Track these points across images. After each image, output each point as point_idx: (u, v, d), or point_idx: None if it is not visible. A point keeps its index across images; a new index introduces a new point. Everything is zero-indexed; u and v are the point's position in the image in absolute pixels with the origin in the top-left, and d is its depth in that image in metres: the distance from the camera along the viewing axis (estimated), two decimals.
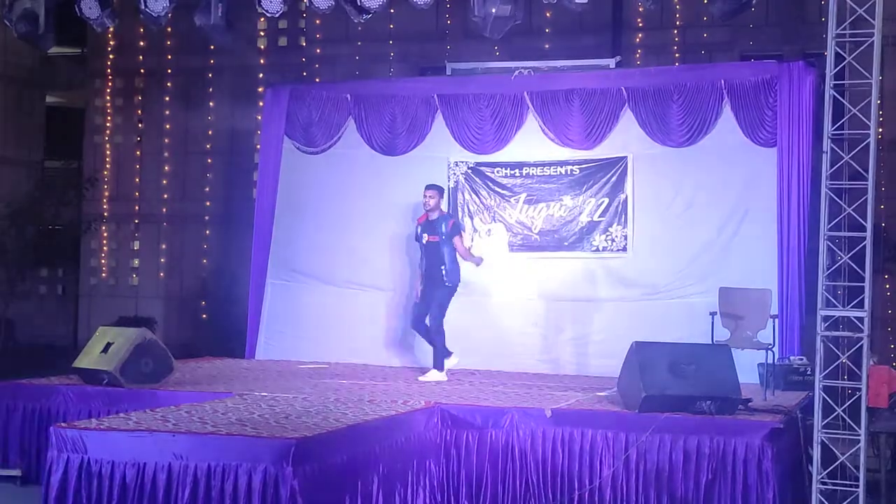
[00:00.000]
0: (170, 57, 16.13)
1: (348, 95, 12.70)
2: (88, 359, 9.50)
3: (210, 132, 16.02)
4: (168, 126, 16.39)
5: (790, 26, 13.84)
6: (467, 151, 12.19)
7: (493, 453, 8.27)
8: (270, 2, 10.64)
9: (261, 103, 13.71)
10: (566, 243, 11.81)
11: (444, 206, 11.05)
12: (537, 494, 8.16)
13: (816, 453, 7.77)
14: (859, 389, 7.72)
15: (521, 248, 11.94)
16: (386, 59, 15.05)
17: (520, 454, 8.22)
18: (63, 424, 7.18)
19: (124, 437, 6.77)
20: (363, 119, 12.59)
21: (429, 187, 10.85)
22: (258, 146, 13.74)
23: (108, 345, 9.40)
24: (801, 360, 10.00)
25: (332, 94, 12.81)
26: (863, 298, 7.76)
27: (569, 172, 11.86)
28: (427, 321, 10.72)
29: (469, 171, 12.17)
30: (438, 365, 10.63)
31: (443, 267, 10.57)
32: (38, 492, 7.13)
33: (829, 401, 7.76)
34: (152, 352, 9.35)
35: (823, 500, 7.71)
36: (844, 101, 8.05)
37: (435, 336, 10.65)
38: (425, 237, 10.73)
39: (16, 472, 9.01)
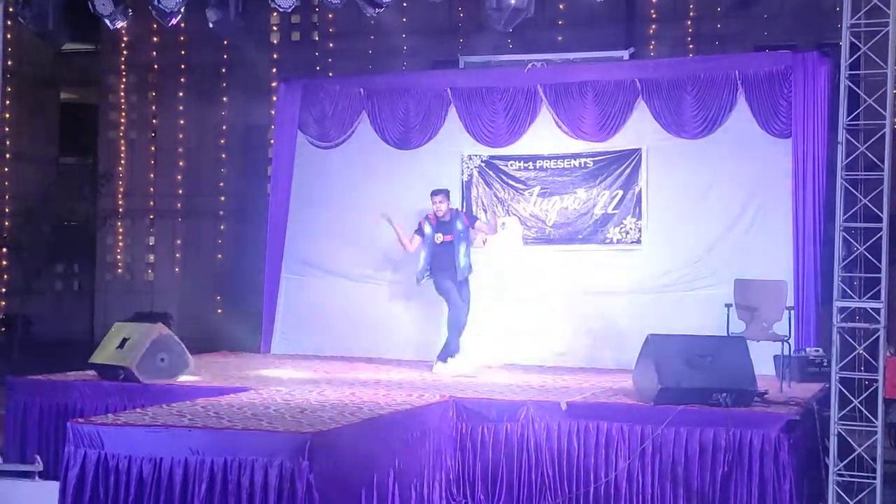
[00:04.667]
0: (183, 52, 16.16)
1: (361, 89, 12.69)
2: (105, 354, 9.52)
3: (224, 127, 16.05)
4: (182, 121, 16.43)
5: (804, 16, 13.77)
6: (481, 145, 12.18)
7: (509, 447, 8.27)
8: None
9: (274, 98, 13.73)
10: (580, 236, 11.80)
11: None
12: (553, 487, 8.15)
13: (833, 445, 7.75)
14: (876, 381, 7.71)
15: (535, 242, 11.93)
16: (399, 53, 15.04)
17: (535, 447, 8.22)
18: (80, 420, 7.19)
19: (141, 433, 6.78)
20: (376, 113, 12.58)
21: (436, 192, 10.88)
22: (272, 141, 13.75)
23: (125, 340, 9.42)
24: (818, 351, 9.98)
25: (345, 88, 12.81)
26: (879, 289, 7.73)
27: (582, 165, 11.85)
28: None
29: (482, 164, 12.16)
30: (444, 356, 10.68)
31: (457, 265, 10.68)
32: (55, 487, 7.15)
33: (846, 392, 7.75)
34: (168, 347, 9.38)
35: (840, 492, 7.69)
36: (860, 92, 8.02)
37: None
38: (439, 237, 10.75)
39: (34, 468, 9.03)
